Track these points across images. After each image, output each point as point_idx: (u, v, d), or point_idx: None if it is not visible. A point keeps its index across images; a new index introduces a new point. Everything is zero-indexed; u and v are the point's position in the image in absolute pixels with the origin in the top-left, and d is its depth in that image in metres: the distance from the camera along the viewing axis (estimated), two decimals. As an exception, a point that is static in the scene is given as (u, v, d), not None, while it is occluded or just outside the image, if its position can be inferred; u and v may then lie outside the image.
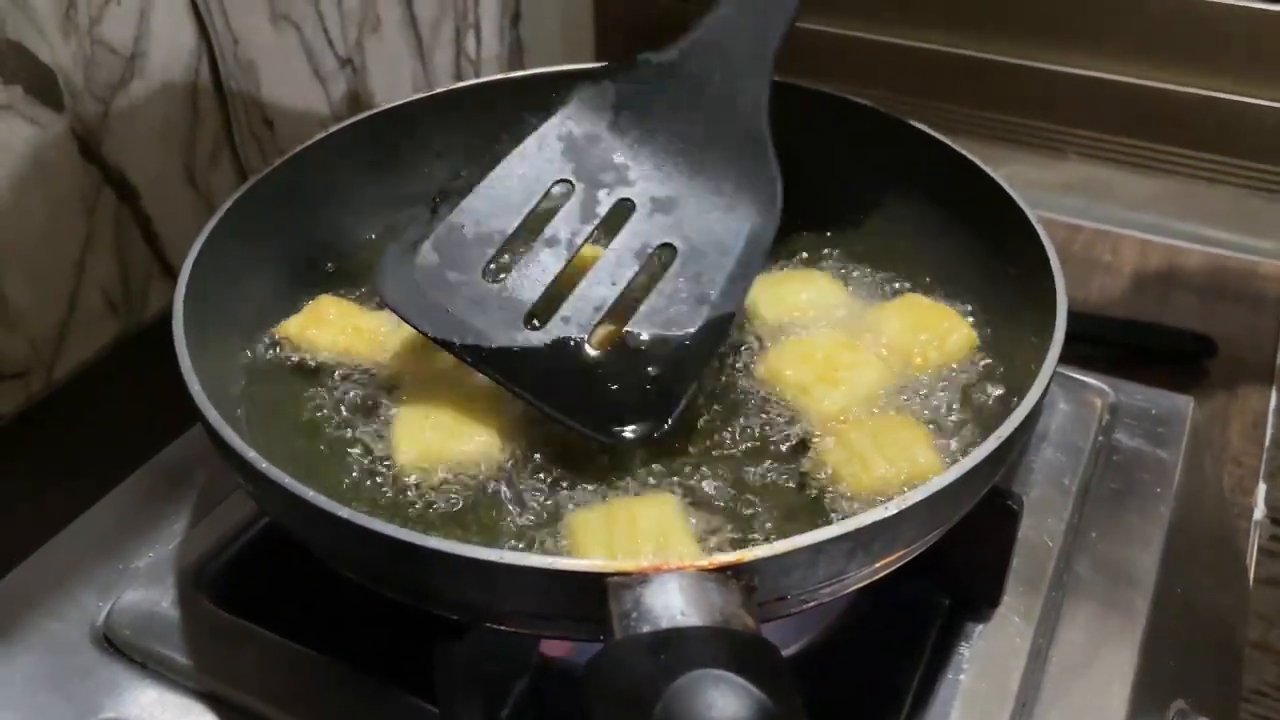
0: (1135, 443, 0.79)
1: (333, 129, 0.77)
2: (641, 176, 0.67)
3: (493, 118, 0.83)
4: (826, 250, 0.79)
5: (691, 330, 0.63)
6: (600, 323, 0.63)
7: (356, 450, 0.63)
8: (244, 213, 0.69)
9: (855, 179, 0.81)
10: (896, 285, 0.76)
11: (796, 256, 0.78)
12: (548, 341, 0.62)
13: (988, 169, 0.72)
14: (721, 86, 0.69)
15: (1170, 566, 0.72)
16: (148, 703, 0.62)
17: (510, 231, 0.65)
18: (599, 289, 0.64)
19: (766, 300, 0.72)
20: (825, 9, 1.28)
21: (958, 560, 0.64)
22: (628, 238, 0.65)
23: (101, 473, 0.78)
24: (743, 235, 0.65)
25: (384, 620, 0.60)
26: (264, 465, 0.50)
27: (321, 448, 0.64)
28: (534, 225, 0.66)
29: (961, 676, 0.63)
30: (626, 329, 0.63)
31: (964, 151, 0.74)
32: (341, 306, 0.72)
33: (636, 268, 0.64)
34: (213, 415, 0.53)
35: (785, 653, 0.66)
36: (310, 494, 0.49)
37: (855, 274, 0.77)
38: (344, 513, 0.48)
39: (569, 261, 0.65)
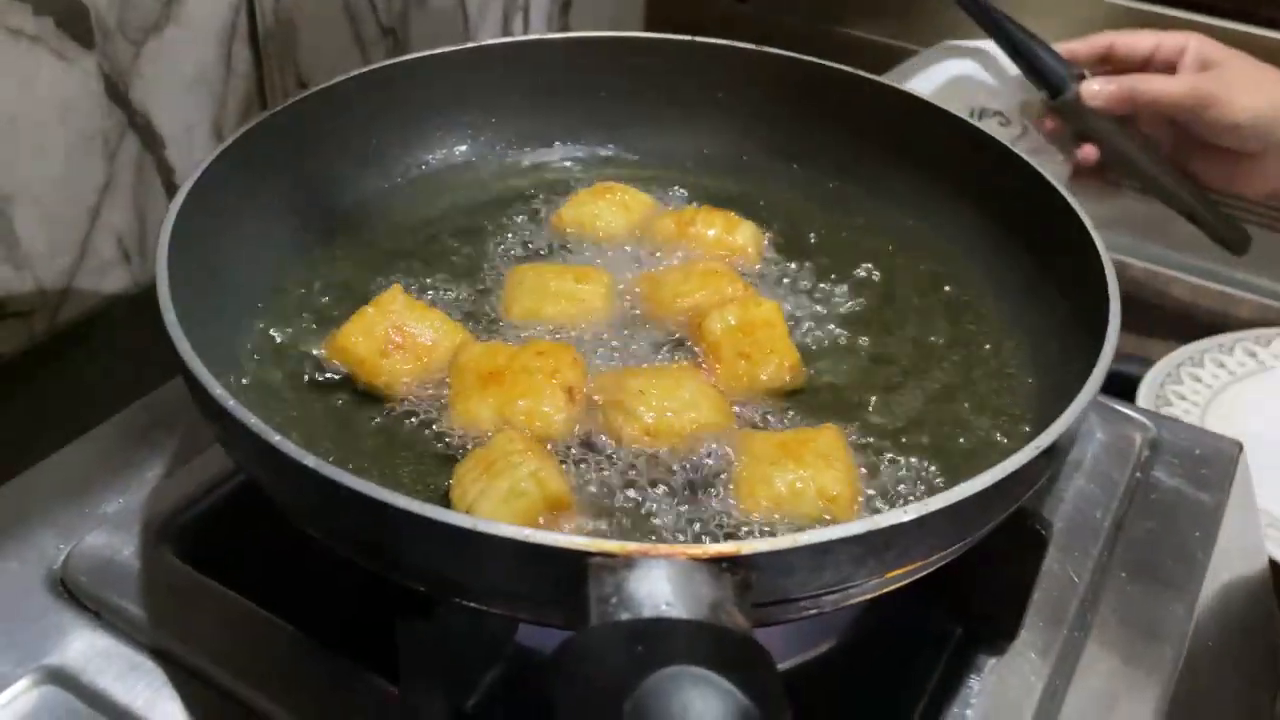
0: (1175, 482, 0.74)
1: (351, 74, 0.75)
2: None
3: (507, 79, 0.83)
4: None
5: None
6: None
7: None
8: (250, 148, 0.67)
9: (923, 186, 0.79)
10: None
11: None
12: None
13: (1067, 194, 0.67)
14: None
15: (1204, 620, 0.67)
16: (95, 653, 0.58)
17: None
18: None
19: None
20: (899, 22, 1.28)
21: (976, 585, 0.59)
22: None
23: (95, 418, 0.74)
24: None
25: (354, 592, 0.56)
26: (230, 403, 0.46)
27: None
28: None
29: (969, 711, 0.58)
30: None
31: (1046, 175, 0.69)
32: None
33: None
34: (183, 346, 0.49)
35: (780, 666, 0.61)
36: (276, 438, 0.45)
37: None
38: (310, 460, 0.44)
39: None
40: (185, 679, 0.57)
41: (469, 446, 0.58)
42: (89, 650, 0.58)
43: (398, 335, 0.63)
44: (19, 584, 0.62)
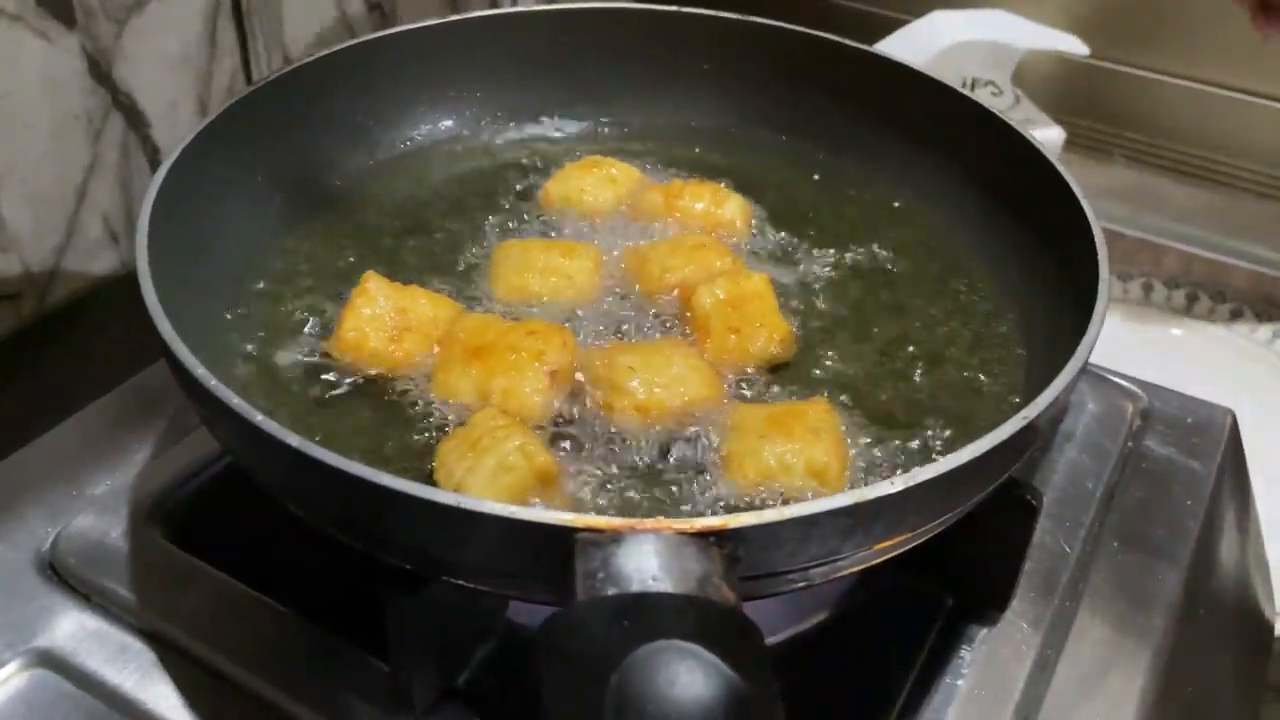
0: (1167, 451, 0.74)
1: (335, 48, 0.74)
2: None
3: (480, 58, 0.83)
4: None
5: None
6: None
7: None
8: (233, 125, 0.66)
9: (914, 156, 0.78)
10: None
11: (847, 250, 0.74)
12: None
13: (1059, 164, 0.66)
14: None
15: (1195, 588, 0.67)
16: (84, 635, 0.58)
17: None
18: None
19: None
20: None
21: (966, 556, 0.59)
22: None
23: (84, 401, 0.74)
24: None
25: (343, 570, 0.56)
26: (213, 383, 0.46)
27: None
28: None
29: (960, 681, 0.58)
30: None
31: (1039, 145, 0.69)
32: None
33: None
34: (164, 326, 0.48)
35: (771, 640, 0.61)
36: (259, 418, 0.45)
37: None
38: (293, 440, 0.44)
39: None
40: (175, 660, 0.57)
41: (450, 427, 0.57)
42: (79, 632, 0.58)
43: (399, 318, 0.62)
44: (8, 567, 0.61)
